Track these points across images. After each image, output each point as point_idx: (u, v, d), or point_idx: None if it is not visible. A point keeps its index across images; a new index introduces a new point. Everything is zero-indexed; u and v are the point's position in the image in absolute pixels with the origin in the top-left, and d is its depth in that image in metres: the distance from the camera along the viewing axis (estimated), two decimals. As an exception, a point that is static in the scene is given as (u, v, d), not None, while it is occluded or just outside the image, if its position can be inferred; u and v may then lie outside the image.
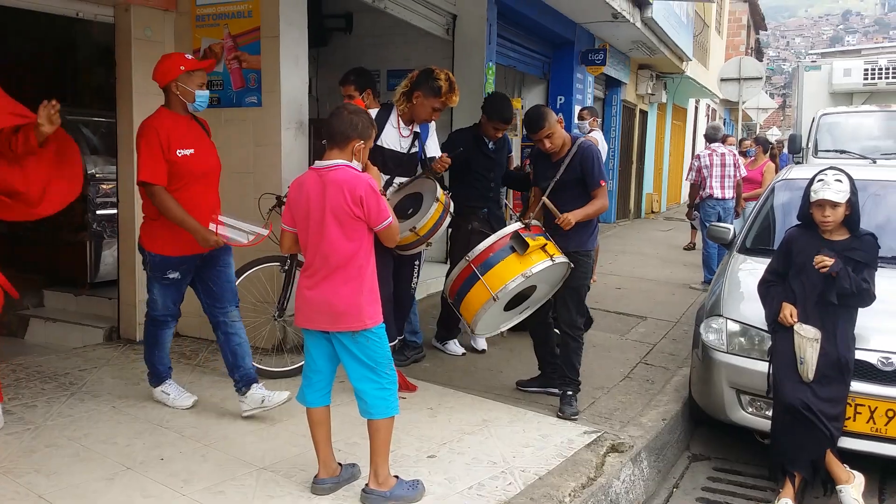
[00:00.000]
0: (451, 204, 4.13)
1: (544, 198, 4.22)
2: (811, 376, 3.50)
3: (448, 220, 4.11)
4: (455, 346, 5.40)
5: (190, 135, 3.84)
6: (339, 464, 3.23)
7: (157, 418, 3.94)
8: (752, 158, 10.29)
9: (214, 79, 5.27)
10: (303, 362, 4.36)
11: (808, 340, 3.52)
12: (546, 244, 4.01)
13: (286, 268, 4.69)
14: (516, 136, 11.00)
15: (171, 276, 3.88)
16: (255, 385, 3.96)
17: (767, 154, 10.26)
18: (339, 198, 2.94)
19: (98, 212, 6.25)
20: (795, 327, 3.56)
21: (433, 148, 4.61)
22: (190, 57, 3.92)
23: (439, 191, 4.06)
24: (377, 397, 3.03)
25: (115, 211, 5.68)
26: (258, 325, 4.84)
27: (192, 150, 3.79)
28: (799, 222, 3.84)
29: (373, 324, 3.03)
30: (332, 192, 2.95)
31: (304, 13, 5.27)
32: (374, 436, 3.06)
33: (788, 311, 3.62)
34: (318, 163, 3.07)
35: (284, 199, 4.47)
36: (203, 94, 3.85)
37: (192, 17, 5.31)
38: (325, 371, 3.16)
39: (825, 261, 3.52)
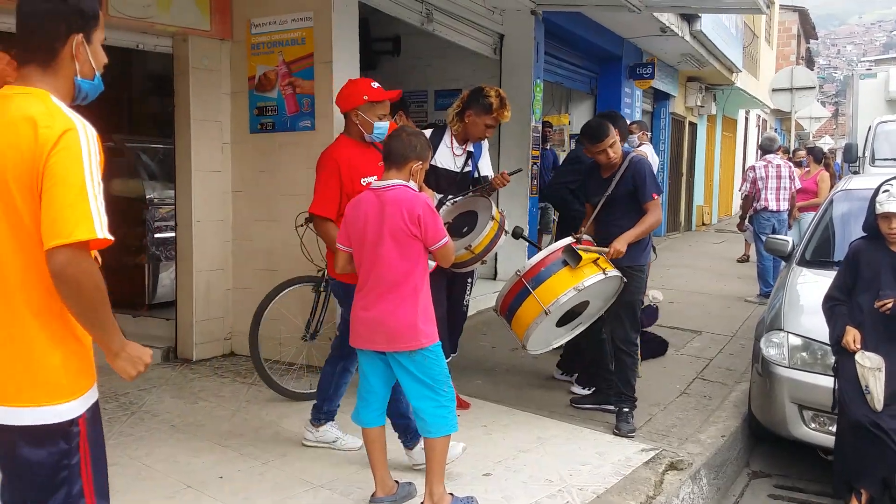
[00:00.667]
0: (506, 221, 4.14)
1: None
2: (879, 407, 3.39)
3: (503, 238, 4.12)
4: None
5: (371, 162, 3.73)
6: (396, 481, 3.25)
7: (216, 437, 4.02)
8: (807, 169, 10.09)
9: (269, 104, 5.42)
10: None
11: (869, 370, 3.41)
12: (598, 258, 4.00)
13: (319, 288, 4.64)
14: (564, 151, 11.01)
15: None
16: (331, 422, 3.87)
17: (821, 164, 10.05)
18: (397, 217, 2.97)
19: (156, 235, 6.43)
20: (857, 357, 3.45)
21: (486, 167, 4.65)
22: (376, 86, 3.78)
23: (494, 209, 4.08)
24: (436, 415, 3.05)
25: (172, 234, 5.85)
26: (284, 344, 4.86)
27: (374, 178, 3.57)
28: (864, 234, 3.74)
29: (429, 342, 3.05)
30: (391, 211, 2.99)
31: (355, 39, 5.38)
32: (430, 454, 3.08)
33: (851, 337, 3.49)
34: (375, 182, 3.12)
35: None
36: (382, 126, 3.72)
37: (247, 46, 5.47)
38: (380, 391, 3.18)
39: (886, 304, 3.42)
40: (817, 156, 10.15)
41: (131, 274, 6.45)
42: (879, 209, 3.53)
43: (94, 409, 1.90)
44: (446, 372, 3.12)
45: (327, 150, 3.80)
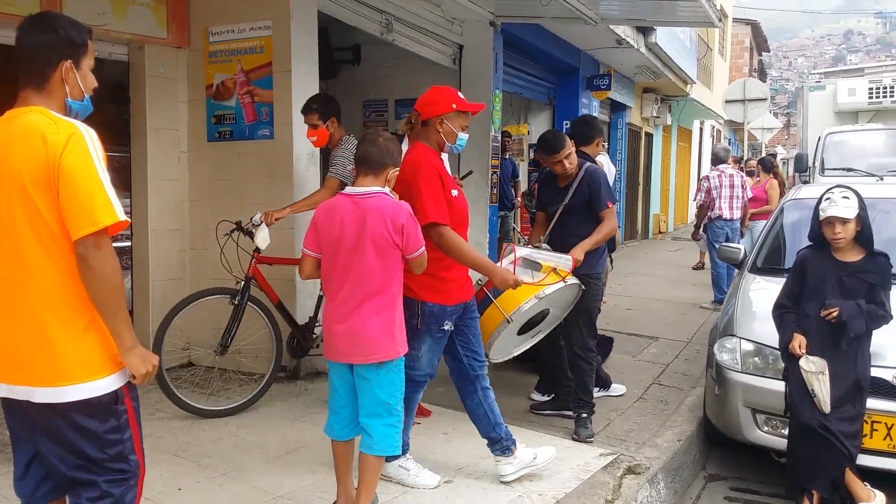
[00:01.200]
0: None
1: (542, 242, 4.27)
2: (827, 409, 3.48)
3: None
4: (619, 386, 5.22)
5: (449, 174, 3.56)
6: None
7: (174, 448, 3.97)
8: (757, 178, 10.35)
9: (227, 113, 5.39)
10: (235, 403, 4.49)
11: (813, 374, 3.50)
12: (557, 267, 4.05)
13: (236, 301, 4.54)
14: (523, 160, 11.11)
15: (445, 327, 3.42)
16: (519, 445, 3.62)
17: (770, 173, 10.30)
18: (380, 225, 2.91)
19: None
20: (801, 362, 3.54)
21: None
22: (462, 96, 3.56)
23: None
24: (384, 434, 3.01)
25: (128, 244, 5.76)
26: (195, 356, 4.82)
27: (457, 191, 3.51)
28: (811, 243, 3.84)
29: (404, 352, 3.04)
30: (373, 219, 2.92)
31: (314, 48, 5.38)
32: (366, 471, 3.02)
33: (797, 343, 3.60)
34: (350, 189, 3.05)
35: (245, 226, 4.57)
36: (464, 138, 3.52)
37: (205, 54, 5.43)
38: (351, 404, 3.12)
39: (831, 313, 3.51)
40: (766, 165, 10.41)
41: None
42: (822, 215, 3.64)
43: (132, 388, 2.14)
44: (403, 390, 3.09)
45: (419, 156, 3.41)
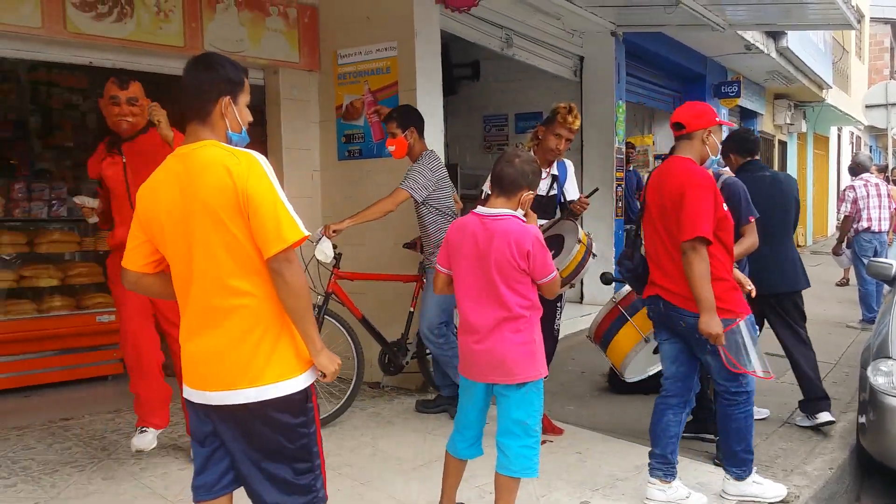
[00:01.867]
0: (594, 244, 4.06)
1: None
2: None
3: (591, 260, 4.04)
4: (761, 410, 4.75)
5: None
6: None
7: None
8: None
9: (356, 132, 5.53)
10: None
11: None
12: None
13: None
14: (648, 172, 10.82)
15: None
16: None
17: None
18: (505, 250, 2.86)
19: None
20: None
21: (572, 190, 4.58)
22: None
23: (581, 232, 4.02)
24: (520, 455, 2.94)
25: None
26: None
27: (727, 206, 3.45)
28: None
29: (544, 373, 2.97)
30: (499, 243, 2.88)
31: (438, 66, 5.45)
32: (502, 492, 2.96)
33: None
34: (482, 209, 2.99)
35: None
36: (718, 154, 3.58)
37: (334, 76, 5.61)
38: (478, 425, 3.10)
39: None
40: None
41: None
42: None
43: (315, 386, 2.34)
44: (542, 411, 3.03)
45: (695, 170, 3.34)
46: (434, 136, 5.39)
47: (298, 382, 2.25)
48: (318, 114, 5.74)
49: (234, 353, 2.20)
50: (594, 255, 4.07)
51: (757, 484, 3.50)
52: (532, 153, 4.18)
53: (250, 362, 2.20)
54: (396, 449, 4.18)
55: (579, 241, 3.95)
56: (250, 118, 2.39)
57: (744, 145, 4.65)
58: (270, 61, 5.42)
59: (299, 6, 5.54)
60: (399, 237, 5.23)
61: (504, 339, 2.89)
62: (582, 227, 7.12)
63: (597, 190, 4.77)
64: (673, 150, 3.58)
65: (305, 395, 2.28)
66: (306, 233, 2.18)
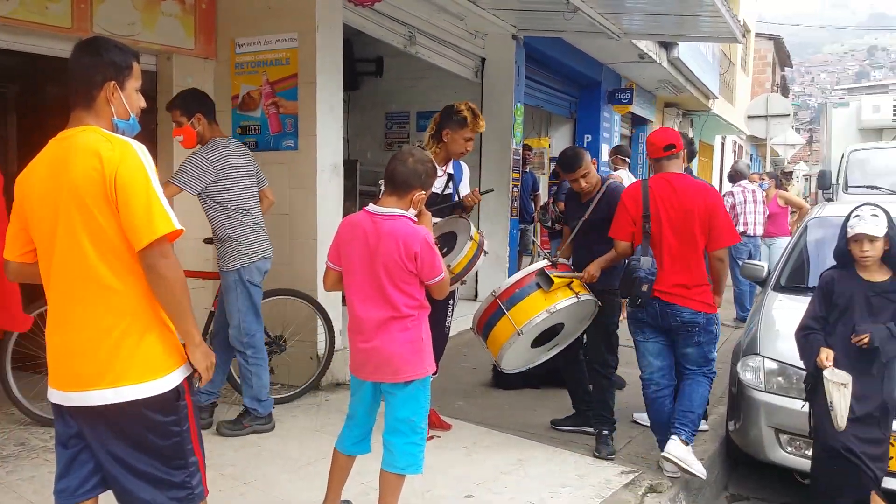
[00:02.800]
0: (485, 242, 4.17)
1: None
2: (842, 424, 3.41)
3: (482, 257, 4.15)
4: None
5: None
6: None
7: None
8: (765, 192, 10.26)
9: (252, 124, 5.43)
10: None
11: (834, 384, 3.42)
12: (572, 282, 4.06)
13: None
14: (543, 174, 11.11)
15: None
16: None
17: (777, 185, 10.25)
18: (393, 251, 2.87)
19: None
20: (825, 372, 3.49)
21: (467, 189, 4.68)
22: None
23: (473, 229, 4.11)
24: (405, 452, 2.97)
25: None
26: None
27: None
28: (836, 263, 3.79)
29: (431, 371, 3.01)
30: (387, 243, 2.88)
31: (339, 60, 5.43)
32: (387, 489, 2.99)
33: (825, 355, 3.54)
34: (373, 207, 2.99)
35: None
36: None
37: (231, 65, 5.49)
38: (366, 422, 3.13)
39: (862, 339, 3.44)
40: (776, 179, 10.40)
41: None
42: (850, 232, 3.57)
43: (190, 382, 2.29)
44: (428, 409, 3.07)
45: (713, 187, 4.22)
46: (334, 131, 5.39)
47: (166, 382, 2.18)
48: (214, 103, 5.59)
49: (94, 351, 2.13)
50: (486, 253, 4.18)
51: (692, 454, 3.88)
52: (430, 152, 4.25)
53: (111, 361, 2.13)
54: (283, 448, 4.15)
55: (471, 239, 4.04)
56: (141, 104, 2.32)
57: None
58: (164, 47, 5.25)
59: (197, -9, 5.39)
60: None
61: (391, 338, 2.92)
62: (478, 226, 7.27)
63: (491, 190, 4.88)
64: (659, 169, 4.08)
65: (177, 393, 2.21)
66: (179, 226, 2.13)
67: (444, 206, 4.38)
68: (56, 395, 2.20)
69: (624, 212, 4.05)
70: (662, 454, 3.83)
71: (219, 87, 5.57)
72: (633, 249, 4.09)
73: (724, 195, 9.42)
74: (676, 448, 3.78)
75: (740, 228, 8.68)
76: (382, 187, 3.15)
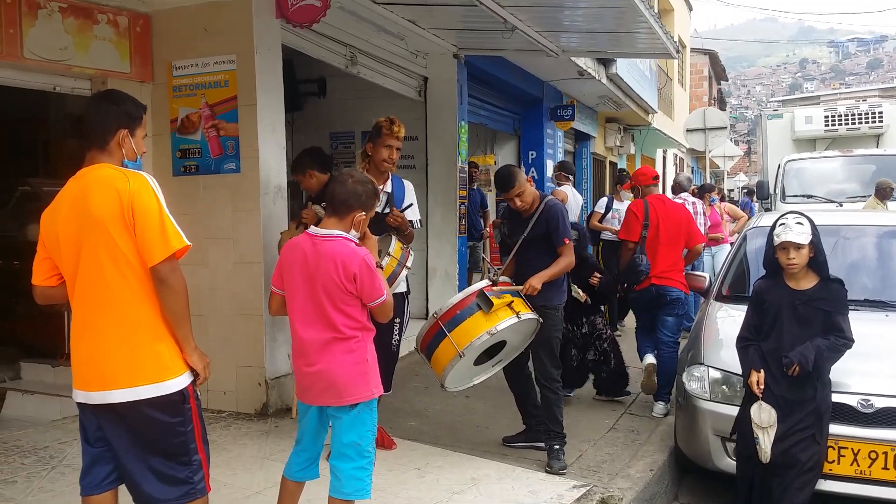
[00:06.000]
0: (410, 258, 4.13)
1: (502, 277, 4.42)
2: (766, 460, 3.53)
3: (403, 273, 4.11)
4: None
5: None
6: None
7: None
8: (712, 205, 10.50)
9: (192, 147, 5.35)
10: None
11: (759, 427, 3.54)
12: (513, 301, 4.07)
13: None
14: (491, 191, 11.17)
15: None
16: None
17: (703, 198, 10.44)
18: (332, 272, 2.85)
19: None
20: (752, 410, 3.57)
21: (413, 210, 4.64)
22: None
23: (394, 245, 4.07)
24: (352, 477, 2.93)
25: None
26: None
27: None
28: (765, 272, 3.88)
29: (378, 393, 2.97)
30: (325, 265, 2.86)
31: (279, 82, 5.38)
32: None
33: (755, 379, 3.62)
34: (314, 229, 2.97)
35: None
36: None
37: (168, 88, 5.39)
38: (314, 447, 3.08)
39: (793, 370, 3.53)
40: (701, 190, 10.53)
41: (50, 322, 6.18)
42: (776, 241, 3.68)
43: (194, 388, 2.61)
44: (375, 432, 3.03)
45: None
46: (275, 153, 5.32)
47: (174, 384, 2.50)
48: (151, 127, 5.47)
49: (114, 356, 2.46)
50: (408, 269, 4.13)
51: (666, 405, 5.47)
52: (365, 172, 4.22)
53: (129, 365, 2.45)
54: (231, 477, 4.05)
55: (389, 255, 4.00)
56: (144, 149, 2.74)
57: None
58: (99, 71, 5.13)
59: (131, 14, 5.29)
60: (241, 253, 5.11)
61: (335, 361, 2.88)
62: (426, 244, 7.23)
63: (412, 205, 4.79)
64: (647, 192, 5.96)
65: (182, 396, 2.53)
66: (188, 243, 2.48)
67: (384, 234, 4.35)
68: (80, 395, 2.54)
69: (634, 220, 5.68)
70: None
71: (156, 111, 5.46)
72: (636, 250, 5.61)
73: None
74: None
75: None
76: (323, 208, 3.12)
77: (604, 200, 9.02)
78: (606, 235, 8.55)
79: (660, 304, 5.55)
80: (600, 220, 8.72)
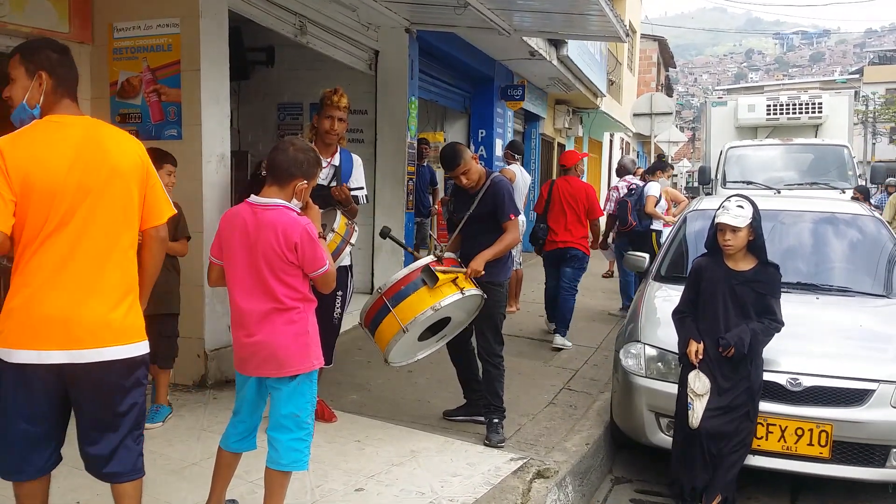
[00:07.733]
0: (355, 234, 4.11)
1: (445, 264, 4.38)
2: (696, 424, 3.64)
3: (347, 249, 4.09)
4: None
5: None
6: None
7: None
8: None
9: (132, 111, 5.20)
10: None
11: (694, 393, 3.66)
12: (457, 277, 4.09)
13: None
14: (440, 167, 11.16)
15: None
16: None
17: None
18: (272, 241, 2.81)
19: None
20: (689, 378, 3.69)
21: (359, 181, 4.62)
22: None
23: (338, 221, 4.04)
24: (290, 448, 2.91)
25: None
26: None
27: None
28: (706, 251, 4.01)
29: (318, 364, 2.95)
30: (266, 234, 2.82)
31: (225, 47, 5.26)
32: (273, 487, 2.92)
33: (693, 349, 3.74)
34: (254, 198, 2.91)
35: None
36: None
37: (108, 51, 5.22)
38: (251, 419, 3.06)
39: (728, 352, 3.64)
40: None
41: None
42: (716, 221, 3.81)
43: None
44: (314, 404, 3.02)
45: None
46: (219, 121, 5.22)
47: (146, 345, 2.55)
48: (90, 90, 5.31)
49: (113, 312, 2.43)
50: (352, 245, 4.10)
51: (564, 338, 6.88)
52: (312, 143, 4.18)
53: (124, 321, 2.46)
54: (166, 448, 4.00)
55: (333, 231, 3.97)
56: (39, 100, 2.59)
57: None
58: (35, 30, 4.92)
59: (71, -28, 5.10)
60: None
61: (275, 332, 2.85)
62: (373, 220, 7.17)
63: (362, 188, 4.77)
64: (564, 173, 7.54)
65: (145, 361, 2.56)
66: (175, 212, 2.72)
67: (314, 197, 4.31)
68: (58, 356, 2.36)
69: (541, 197, 7.46)
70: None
71: (95, 74, 5.29)
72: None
73: (609, 190, 9.77)
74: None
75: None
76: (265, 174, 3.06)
77: (655, 185, 8.80)
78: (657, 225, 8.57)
79: (563, 259, 7.08)
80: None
